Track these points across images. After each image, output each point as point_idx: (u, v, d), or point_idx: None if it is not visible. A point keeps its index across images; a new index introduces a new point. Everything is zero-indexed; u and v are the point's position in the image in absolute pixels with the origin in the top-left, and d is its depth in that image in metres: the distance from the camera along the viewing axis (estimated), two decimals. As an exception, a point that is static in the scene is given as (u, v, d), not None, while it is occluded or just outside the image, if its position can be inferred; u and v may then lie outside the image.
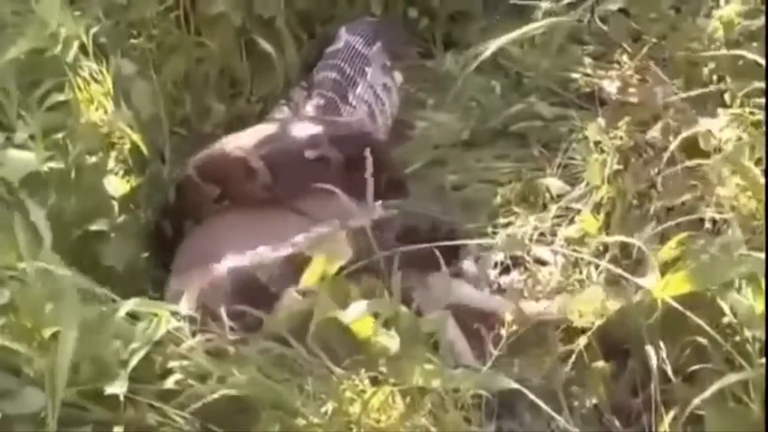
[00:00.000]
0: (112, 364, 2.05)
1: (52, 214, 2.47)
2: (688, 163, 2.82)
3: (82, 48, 2.84)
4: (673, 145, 2.93)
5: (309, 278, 2.35)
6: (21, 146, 2.46)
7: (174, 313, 2.21)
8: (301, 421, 2.12)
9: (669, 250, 2.42)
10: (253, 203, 2.75)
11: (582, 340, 2.43)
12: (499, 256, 2.89)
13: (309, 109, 3.22)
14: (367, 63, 3.43)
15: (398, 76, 3.52)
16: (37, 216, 2.16)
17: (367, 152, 2.79)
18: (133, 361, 2.07)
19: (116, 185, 2.72)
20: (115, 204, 2.68)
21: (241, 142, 2.80)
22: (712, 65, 3.15)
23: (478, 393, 2.21)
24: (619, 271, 2.42)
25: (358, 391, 2.17)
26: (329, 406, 2.14)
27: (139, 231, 2.76)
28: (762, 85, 2.83)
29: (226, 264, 2.51)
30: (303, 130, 2.84)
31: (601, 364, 2.42)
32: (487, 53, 3.35)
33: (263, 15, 3.43)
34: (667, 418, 2.19)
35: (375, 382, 2.19)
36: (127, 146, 2.85)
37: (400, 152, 3.36)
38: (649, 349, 2.31)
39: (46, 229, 2.11)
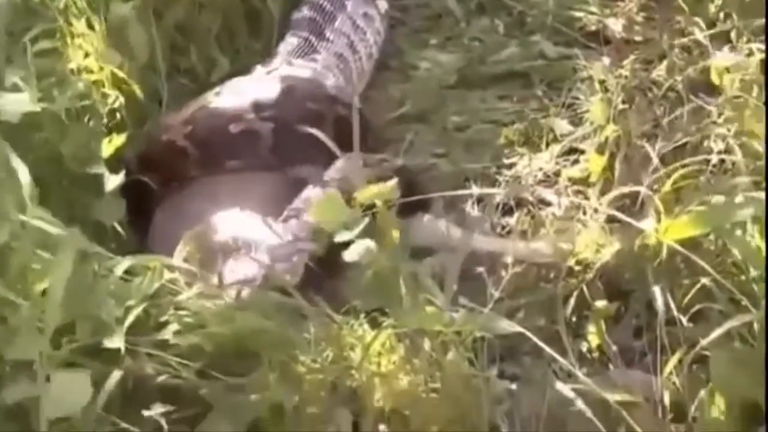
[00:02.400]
0: (108, 321, 2.04)
1: (48, 157, 2.45)
2: (694, 102, 2.80)
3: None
4: (679, 83, 2.91)
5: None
6: (12, 90, 2.43)
7: (168, 266, 2.20)
8: (301, 368, 2.11)
9: (670, 190, 2.40)
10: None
11: (583, 279, 2.42)
12: (502, 198, 2.87)
13: (281, 51, 3.18)
14: None
15: (382, 4, 3.47)
16: (22, 172, 2.12)
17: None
18: (130, 317, 2.06)
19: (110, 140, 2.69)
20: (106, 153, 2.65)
21: (170, 120, 2.80)
22: (718, 2, 3.11)
23: (480, 336, 2.19)
24: (621, 215, 2.39)
25: (358, 336, 2.16)
26: (329, 352, 2.13)
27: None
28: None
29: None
30: (229, 102, 2.80)
31: (603, 303, 2.40)
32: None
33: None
34: (673, 359, 2.17)
35: (375, 325, 2.18)
36: (120, 96, 2.83)
37: (401, 93, 3.33)
38: (654, 291, 2.30)
39: (28, 186, 2.07)
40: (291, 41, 3.23)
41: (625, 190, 2.59)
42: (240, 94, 2.82)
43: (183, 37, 3.26)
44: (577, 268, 2.49)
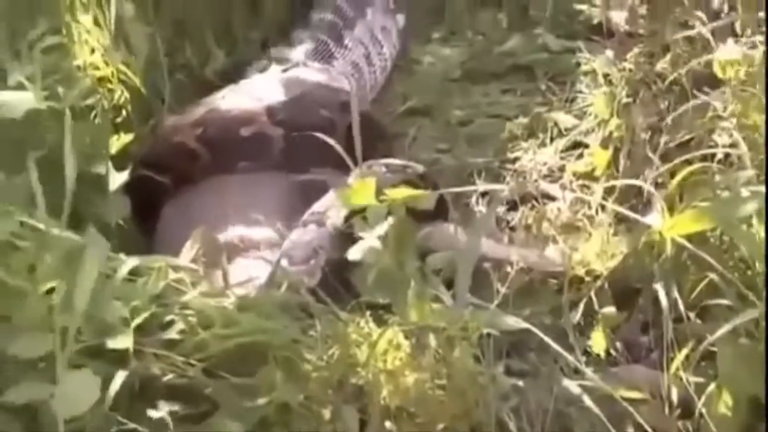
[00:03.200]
0: (114, 322, 2.03)
1: (52, 155, 2.43)
2: (699, 96, 2.79)
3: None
4: (683, 76, 2.90)
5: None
6: (15, 88, 2.42)
7: (173, 266, 2.19)
8: (307, 366, 2.10)
9: (676, 187, 2.39)
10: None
11: (591, 287, 2.42)
12: (507, 192, 2.86)
13: (298, 54, 3.16)
14: (369, 3, 3.37)
15: (401, 19, 3.46)
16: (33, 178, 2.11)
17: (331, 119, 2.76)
18: (137, 319, 2.04)
19: (117, 137, 2.68)
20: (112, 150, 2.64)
21: (180, 122, 2.79)
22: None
23: (486, 332, 2.18)
24: (626, 212, 2.38)
25: (365, 334, 2.15)
26: (336, 350, 2.13)
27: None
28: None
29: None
30: (241, 104, 2.79)
31: (611, 310, 2.40)
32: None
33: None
34: (680, 355, 2.17)
35: (381, 323, 2.17)
36: (125, 92, 2.82)
37: (405, 88, 3.32)
38: (660, 287, 2.29)
39: (39, 195, 2.05)
40: (308, 43, 3.21)
41: (630, 183, 2.59)
42: (252, 96, 2.81)
43: (179, 31, 3.24)
44: (586, 278, 2.49)
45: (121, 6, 2.88)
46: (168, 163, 2.75)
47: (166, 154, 2.76)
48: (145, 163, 2.76)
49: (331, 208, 2.47)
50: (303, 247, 2.44)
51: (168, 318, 2.12)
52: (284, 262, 2.40)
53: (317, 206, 2.53)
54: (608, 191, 2.74)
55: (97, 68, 2.77)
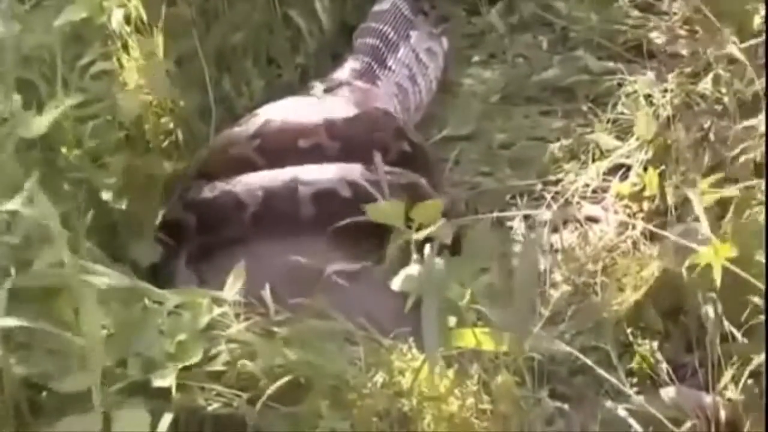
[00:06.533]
0: (159, 358, 2.05)
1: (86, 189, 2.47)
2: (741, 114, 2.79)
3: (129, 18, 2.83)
4: (725, 95, 2.90)
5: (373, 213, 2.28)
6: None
7: (216, 300, 2.20)
8: (351, 394, 2.11)
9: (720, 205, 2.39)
10: None
11: (633, 302, 2.41)
12: (549, 215, 2.86)
13: (341, 73, 3.17)
14: (413, 27, 3.39)
15: (445, 42, 3.47)
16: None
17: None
18: (182, 356, 2.05)
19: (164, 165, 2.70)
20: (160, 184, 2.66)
21: (236, 134, 2.78)
22: (764, 13, 3.09)
23: (529, 356, 2.18)
24: (670, 235, 2.37)
25: (408, 361, 2.16)
26: (379, 378, 2.13)
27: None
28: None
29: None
30: (298, 117, 2.77)
31: (653, 322, 2.39)
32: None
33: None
34: (726, 375, 2.16)
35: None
36: (171, 122, 2.85)
37: (446, 111, 3.33)
38: (704, 309, 2.28)
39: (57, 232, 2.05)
40: (353, 64, 3.22)
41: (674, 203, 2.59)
42: (308, 110, 2.81)
43: (219, 59, 3.26)
44: (627, 290, 2.48)
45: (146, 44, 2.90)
46: (227, 176, 2.76)
47: (224, 166, 2.75)
48: (202, 176, 2.77)
49: None
50: None
51: (213, 350, 2.12)
52: None
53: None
54: (652, 212, 2.75)
55: (146, 93, 2.80)
